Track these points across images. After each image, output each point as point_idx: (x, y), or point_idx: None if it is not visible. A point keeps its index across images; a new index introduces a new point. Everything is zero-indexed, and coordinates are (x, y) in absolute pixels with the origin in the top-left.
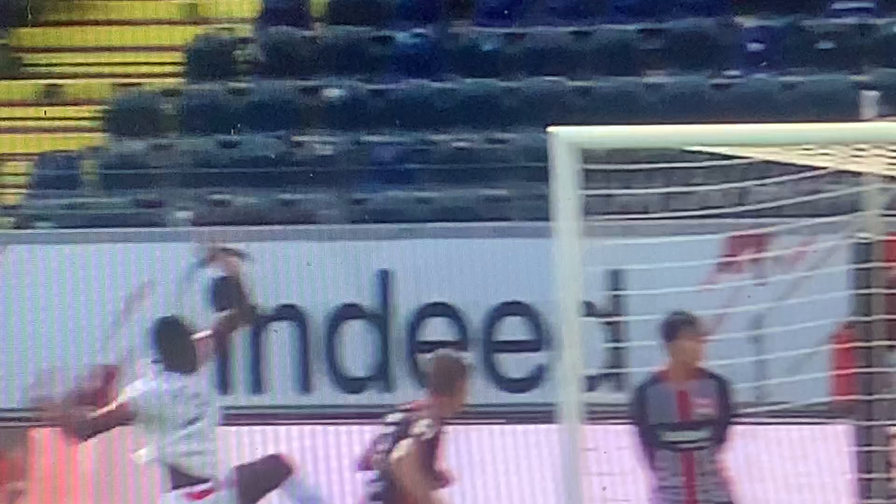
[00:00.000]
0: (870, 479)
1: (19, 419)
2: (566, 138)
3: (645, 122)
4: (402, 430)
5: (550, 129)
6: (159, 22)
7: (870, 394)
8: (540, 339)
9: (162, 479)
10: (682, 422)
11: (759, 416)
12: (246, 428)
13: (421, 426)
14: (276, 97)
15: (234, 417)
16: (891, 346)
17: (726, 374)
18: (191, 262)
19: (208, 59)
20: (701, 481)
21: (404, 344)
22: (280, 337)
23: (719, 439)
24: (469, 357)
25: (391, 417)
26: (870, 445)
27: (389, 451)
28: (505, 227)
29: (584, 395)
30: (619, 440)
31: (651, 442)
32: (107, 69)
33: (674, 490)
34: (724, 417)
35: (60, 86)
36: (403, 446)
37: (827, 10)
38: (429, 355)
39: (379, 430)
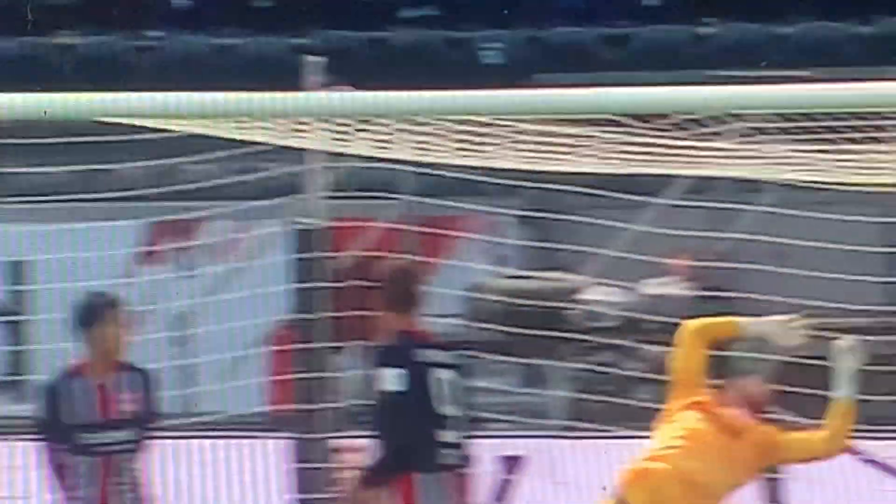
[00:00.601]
0: (310, 499)
1: None
2: None
3: (53, 89)
4: None
5: None
6: None
7: (311, 403)
8: None
9: None
10: (102, 421)
11: (183, 429)
12: None
13: None
14: None
15: None
16: (336, 348)
17: None
18: None
19: None
20: (119, 491)
21: None
22: None
23: (143, 441)
24: None
25: None
26: (310, 461)
27: None
28: None
29: None
30: (20, 458)
31: (63, 447)
32: None
33: (86, 502)
34: (149, 415)
35: None
36: None
37: None
38: None
39: None
